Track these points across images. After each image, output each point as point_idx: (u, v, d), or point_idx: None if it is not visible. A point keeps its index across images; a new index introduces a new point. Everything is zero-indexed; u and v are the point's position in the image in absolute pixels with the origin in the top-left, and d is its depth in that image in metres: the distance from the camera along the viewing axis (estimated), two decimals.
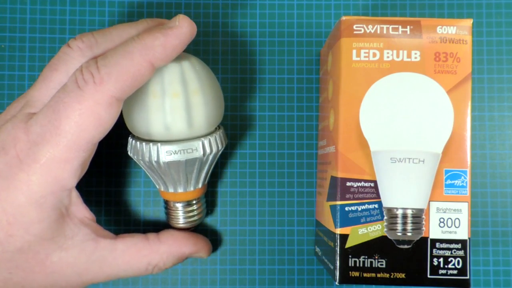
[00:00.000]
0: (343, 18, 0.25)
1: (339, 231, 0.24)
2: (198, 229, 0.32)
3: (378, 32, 0.24)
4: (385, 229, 0.24)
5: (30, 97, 0.25)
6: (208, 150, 0.26)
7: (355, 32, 0.24)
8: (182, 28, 0.24)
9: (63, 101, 0.23)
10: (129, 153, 0.28)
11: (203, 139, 0.26)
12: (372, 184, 0.24)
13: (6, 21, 0.32)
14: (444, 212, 0.24)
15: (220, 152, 0.28)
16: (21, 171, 0.23)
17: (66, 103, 0.23)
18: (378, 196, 0.24)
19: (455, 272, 0.24)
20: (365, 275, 0.24)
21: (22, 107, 0.24)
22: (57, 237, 0.24)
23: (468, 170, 0.24)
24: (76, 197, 0.25)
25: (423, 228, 0.24)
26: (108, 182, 0.32)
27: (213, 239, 0.32)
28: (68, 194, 0.24)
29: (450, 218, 0.24)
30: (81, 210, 0.25)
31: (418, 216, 0.24)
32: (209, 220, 0.32)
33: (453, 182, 0.24)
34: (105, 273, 0.25)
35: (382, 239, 0.24)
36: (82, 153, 0.23)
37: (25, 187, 0.23)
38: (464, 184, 0.24)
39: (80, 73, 0.23)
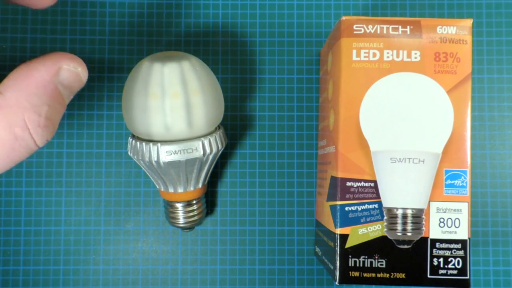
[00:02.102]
0: (343, 18, 0.25)
1: (339, 231, 0.24)
2: (198, 229, 0.32)
3: (378, 32, 0.24)
4: (385, 229, 0.24)
5: None
6: (208, 150, 0.26)
7: (355, 32, 0.24)
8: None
9: None
10: (129, 153, 0.28)
11: (203, 139, 0.26)
12: (372, 184, 0.24)
13: (8, 22, 0.32)
14: (444, 212, 0.24)
15: (220, 152, 0.28)
16: None
17: None
18: (378, 196, 0.24)
19: (455, 272, 0.24)
20: (365, 275, 0.24)
21: None
22: None
23: (468, 170, 0.24)
24: None
25: (423, 228, 0.24)
26: (108, 182, 0.32)
27: (213, 239, 0.32)
28: None
29: (450, 218, 0.24)
30: None
31: (418, 216, 0.24)
32: (209, 220, 0.32)
33: (453, 182, 0.24)
34: None
35: (382, 239, 0.24)
36: None
37: None
38: (464, 184, 0.24)
39: None
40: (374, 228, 0.24)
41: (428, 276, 0.24)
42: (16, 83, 0.19)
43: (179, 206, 0.29)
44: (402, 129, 0.24)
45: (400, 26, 0.24)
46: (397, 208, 0.24)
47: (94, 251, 0.31)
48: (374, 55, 0.24)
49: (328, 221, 0.26)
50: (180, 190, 0.28)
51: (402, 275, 0.24)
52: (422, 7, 0.32)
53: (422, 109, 0.24)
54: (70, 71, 0.20)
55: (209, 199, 0.32)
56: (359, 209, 0.24)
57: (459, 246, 0.24)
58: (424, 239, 0.24)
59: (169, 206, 0.29)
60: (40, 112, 0.19)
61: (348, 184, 0.24)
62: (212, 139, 0.27)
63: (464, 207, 0.24)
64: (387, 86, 0.24)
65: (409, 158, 0.24)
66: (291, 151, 0.32)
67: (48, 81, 0.19)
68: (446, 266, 0.24)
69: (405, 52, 0.24)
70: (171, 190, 0.28)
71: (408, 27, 0.24)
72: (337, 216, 0.24)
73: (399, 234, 0.24)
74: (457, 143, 0.24)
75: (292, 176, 0.32)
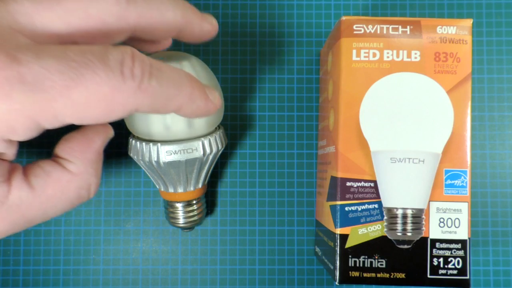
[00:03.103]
0: (343, 18, 0.25)
1: (339, 231, 0.24)
2: (198, 229, 0.32)
3: (378, 32, 0.24)
4: (385, 229, 0.24)
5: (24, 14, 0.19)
6: (208, 150, 0.26)
7: (355, 32, 0.24)
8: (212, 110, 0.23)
9: (91, 70, 0.18)
10: (129, 153, 0.28)
11: (203, 139, 0.26)
12: (372, 184, 0.24)
13: None
14: (444, 212, 0.24)
15: (220, 152, 0.28)
16: None
17: (93, 74, 0.18)
18: (378, 196, 0.24)
19: (455, 272, 0.24)
20: (365, 275, 0.24)
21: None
22: None
23: (468, 170, 0.24)
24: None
25: (423, 228, 0.24)
26: (108, 182, 0.32)
27: (213, 239, 0.32)
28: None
29: (450, 218, 0.24)
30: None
31: (418, 216, 0.24)
32: (209, 220, 0.32)
33: (453, 182, 0.24)
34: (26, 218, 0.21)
35: (382, 239, 0.24)
36: (50, 124, 0.19)
37: None
38: (464, 184, 0.24)
39: (131, 60, 0.19)
40: (374, 228, 0.24)
41: (428, 276, 0.24)
42: (82, 153, 0.22)
43: (179, 206, 0.29)
44: (402, 129, 0.24)
45: (400, 26, 0.24)
46: (397, 208, 0.24)
47: (94, 251, 0.31)
48: (374, 55, 0.24)
49: (328, 221, 0.26)
50: (180, 190, 0.28)
51: (402, 275, 0.24)
52: (422, 7, 0.32)
53: (422, 109, 0.24)
54: (109, 138, 0.24)
55: (209, 199, 0.32)
56: (359, 209, 0.24)
57: (459, 246, 0.24)
58: (424, 239, 0.24)
59: (169, 206, 0.29)
60: (98, 175, 0.23)
61: (348, 184, 0.24)
62: (212, 139, 0.27)
63: (464, 207, 0.24)
64: (387, 86, 0.24)
65: (409, 158, 0.24)
66: (291, 151, 0.32)
67: (101, 149, 0.23)
68: (446, 266, 0.24)
69: (405, 52, 0.24)
70: (171, 190, 0.28)
71: (408, 27, 0.24)
72: (337, 216, 0.24)
73: (399, 234, 0.24)
74: (457, 143, 0.24)
75: (292, 176, 0.32)
